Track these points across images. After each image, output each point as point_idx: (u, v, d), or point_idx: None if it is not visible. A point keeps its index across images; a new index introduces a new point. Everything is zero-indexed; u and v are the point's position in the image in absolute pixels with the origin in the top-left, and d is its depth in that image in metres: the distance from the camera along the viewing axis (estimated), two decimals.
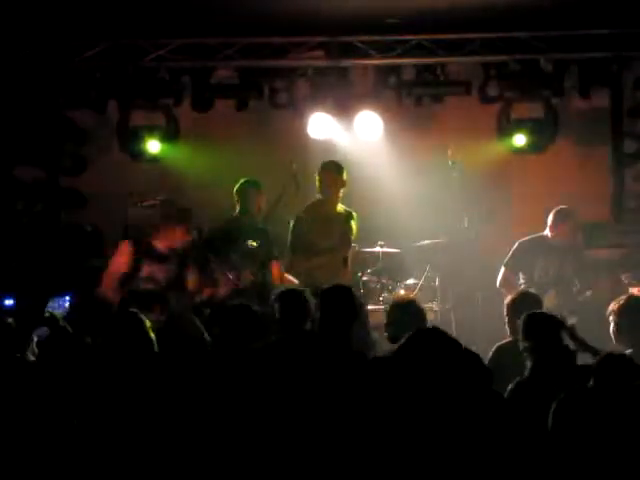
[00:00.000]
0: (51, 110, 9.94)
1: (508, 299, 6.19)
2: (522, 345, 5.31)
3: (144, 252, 6.95)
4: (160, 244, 7.03)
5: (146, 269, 6.93)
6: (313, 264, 7.91)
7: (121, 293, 6.87)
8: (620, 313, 5.81)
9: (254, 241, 7.93)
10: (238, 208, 8.14)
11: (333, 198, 8.10)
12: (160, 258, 6.99)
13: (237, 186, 8.16)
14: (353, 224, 8.13)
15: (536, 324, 5.34)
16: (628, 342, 5.70)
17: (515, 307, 5.98)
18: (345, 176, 8.15)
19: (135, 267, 6.91)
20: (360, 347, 6.03)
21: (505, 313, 6.09)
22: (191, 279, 7.14)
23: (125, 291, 6.88)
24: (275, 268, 8.06)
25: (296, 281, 7.99)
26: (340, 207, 8.16)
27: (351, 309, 5.80)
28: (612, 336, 5.85)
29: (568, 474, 3.98)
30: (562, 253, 7.86)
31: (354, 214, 8.19)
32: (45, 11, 8.68)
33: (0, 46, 9.33)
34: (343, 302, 5.79)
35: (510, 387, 5.01)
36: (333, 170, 8.12)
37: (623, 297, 5.98)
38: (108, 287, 6.91)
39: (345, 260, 8.02)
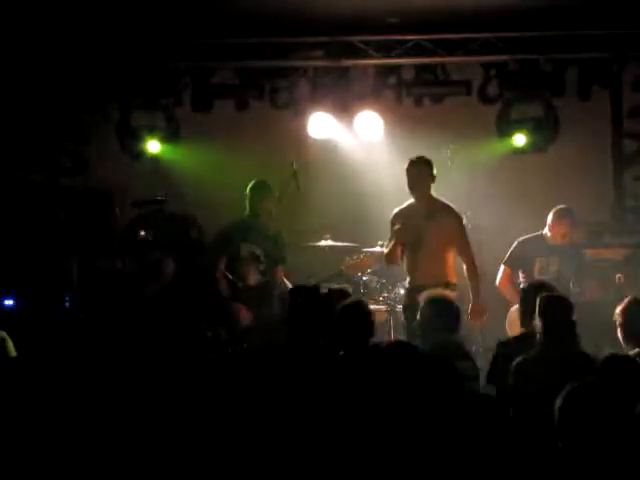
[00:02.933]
0: (52, 111, 9.95)
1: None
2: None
3: None
4: None
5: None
6: None
7: None
8: (623, 314, 5.85)
9: (256, 246, 7.95)
10: (247, 210, 8.15)
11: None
12: None
13: (248, 187, 8.15)
14: None
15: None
16: (633, 343, 5.74)
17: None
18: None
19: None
20: None
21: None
22: None
23: None
24: (277, 274, 8.08)
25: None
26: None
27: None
28: (620, 338, 5.88)
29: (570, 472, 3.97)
30: (561, 252, 7.86)
31: None
32: (46, 12, 8.68)
33: (1, 47, 9.34)
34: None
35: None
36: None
37: (627, 299, 6.00)
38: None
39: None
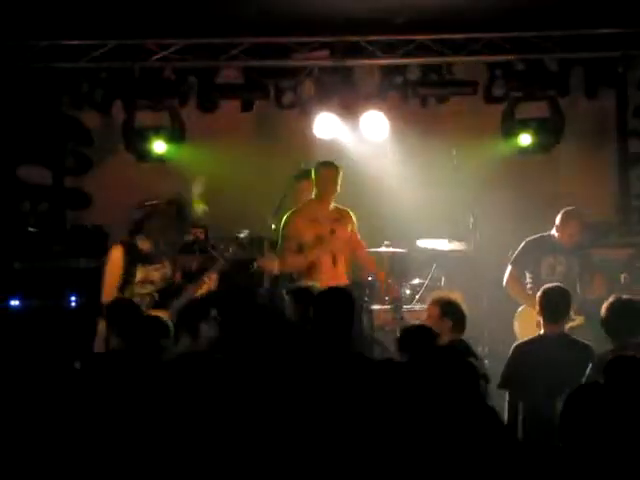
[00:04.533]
0: (56, 110, 9.96)
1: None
2: None
3: (135, 255, 6.82)
4: (144, 245, 6.89)
5: (140, 272, 6.84)
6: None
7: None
8: (607, 311, 5.87)
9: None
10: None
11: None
12: (149, 259, 6.88)
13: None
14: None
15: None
16: (612, 339, 5.76)
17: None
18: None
19: (130, 272, 6.80)
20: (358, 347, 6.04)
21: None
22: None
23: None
24: None
25: None
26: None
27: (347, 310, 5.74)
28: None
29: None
30: (569, 253, 7.85)
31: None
32: (51, 11, 8.68)
33: (5, 46, 9.34)
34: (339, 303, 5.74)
35: None
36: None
37: (612, 296, 6.00)
38: (109, 297, 6.68)
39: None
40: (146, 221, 6.95)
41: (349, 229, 7.88)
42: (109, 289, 6.76)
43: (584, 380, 5.16)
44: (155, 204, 7.25)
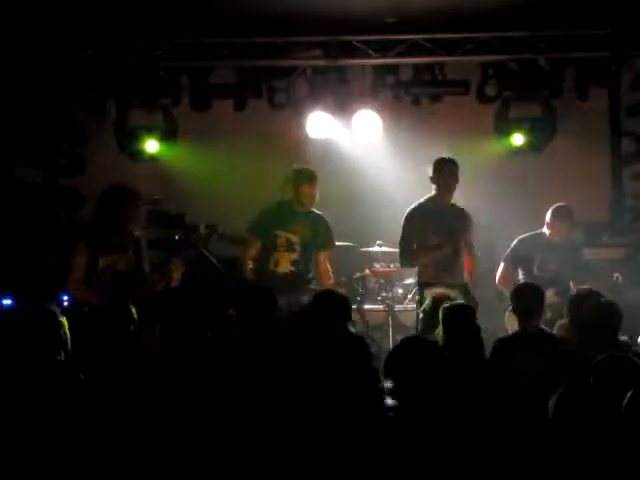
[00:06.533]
0: (49, 109, 9.95)
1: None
2: None
3: (99, 244, 6.79)
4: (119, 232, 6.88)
5: (103, 260, 6.79)
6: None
7: (88, 291, 6.72)
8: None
9: (292, 234, 7.87)
10: (287, 196, 8.03)
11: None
12: (117, 247, 6.85)
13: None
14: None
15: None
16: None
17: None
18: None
19: (92, 262, 6.76)
20: None
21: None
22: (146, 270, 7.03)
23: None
24: (319, 259, 7.93)
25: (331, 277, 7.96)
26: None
27: None
28: None
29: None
30: (560, 250, 7.85)
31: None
32: (44, 10, 8.68)
33: (2, 46, 9.33)
34: None
35: None
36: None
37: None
38: (77, 290, 6.78)
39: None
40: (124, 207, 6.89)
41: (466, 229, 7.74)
42: (75, 283, 6.79)
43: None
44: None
